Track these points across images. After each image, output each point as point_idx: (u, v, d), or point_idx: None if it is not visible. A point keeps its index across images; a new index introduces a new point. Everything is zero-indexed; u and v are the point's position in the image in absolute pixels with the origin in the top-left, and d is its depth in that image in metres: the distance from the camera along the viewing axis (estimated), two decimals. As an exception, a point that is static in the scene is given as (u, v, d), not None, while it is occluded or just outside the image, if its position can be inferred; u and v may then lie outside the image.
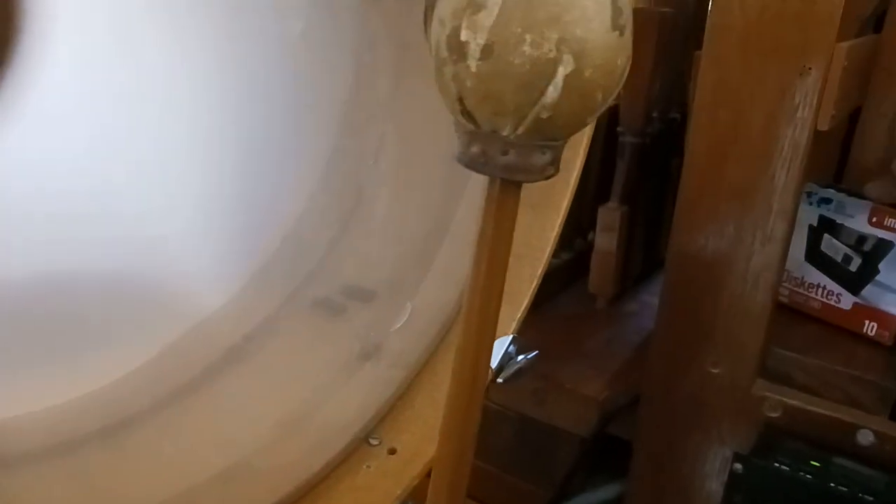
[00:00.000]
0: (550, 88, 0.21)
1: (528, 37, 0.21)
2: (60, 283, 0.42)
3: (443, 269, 0.47)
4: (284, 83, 0.48)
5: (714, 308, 0.51)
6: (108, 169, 0.43)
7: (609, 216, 0.69)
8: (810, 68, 0.44)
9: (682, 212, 0.51)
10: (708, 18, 0.48)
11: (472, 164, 0.25)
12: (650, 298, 0.72)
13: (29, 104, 0.37)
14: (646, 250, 0.76)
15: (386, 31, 0.47)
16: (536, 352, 0.44)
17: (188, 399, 0.44)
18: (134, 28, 0.41)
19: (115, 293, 0.45)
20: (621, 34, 0.22)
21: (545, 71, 0.21)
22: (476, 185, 0.50)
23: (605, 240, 0.70)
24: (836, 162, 0.60)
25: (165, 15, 0.42)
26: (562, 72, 0.21)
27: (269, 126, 0.49)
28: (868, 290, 0.57)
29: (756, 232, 0.48)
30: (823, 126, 0.45)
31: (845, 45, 0.44)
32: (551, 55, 0.21)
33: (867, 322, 0.57)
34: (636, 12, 0.50)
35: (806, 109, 0.45)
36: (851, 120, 0.59)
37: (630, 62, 0.23)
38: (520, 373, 0.42)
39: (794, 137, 0.45)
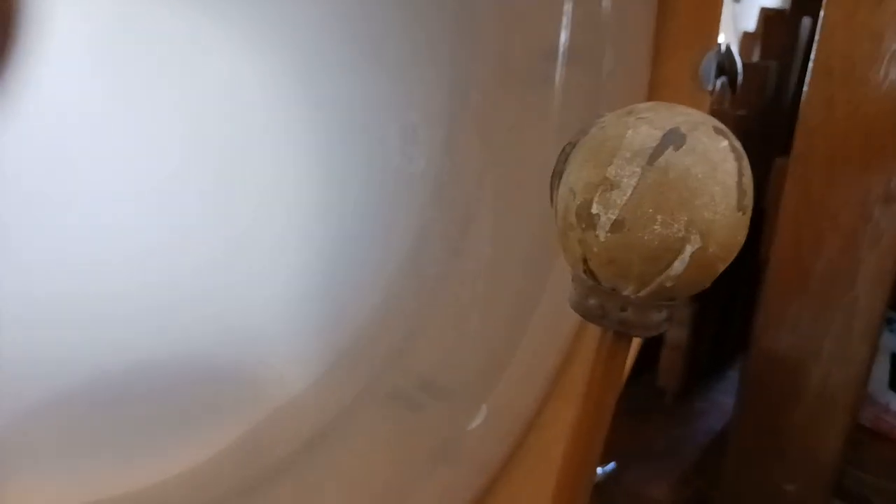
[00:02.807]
0: (677, 262, 0.22)
1: (659, 217, 0.22)
2: (141, 369, 0.44)
3: (519, 371, 0.48)
4: (373, 151, 0.47)
5: (791, 423, 0.51)
6: (194, 254, 0.45)
7: (680, 312, 0.70)
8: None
9: (763, 323, 0.52)
10: (794, 141, 0.49)
11: (588, 315, 0.26)
12: (719, 397, 0.71)
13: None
14: (715, 345, 0.76)
15: (480, 112, 0.49)
16: (613, 463, 0.44)
17: (267, 489, 0.45)
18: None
19: (195, 377, 0.46)
20: (744, 213, 0.23)
21: (673, 247, 0.22)
22: (554, 290, 0.51)
23: (676, 335, 0.70)
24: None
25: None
26: (689, 249, 0.22)
27: (356, 208, 0.50)
28: (953, 423, 0.56)
29: (836, 352, 0.48)
30: (910, 254, 0.45)
31: (934, 174, 0.45)
32: (680, 234, 0.22)
33: (952, 454, 0.56)
34: (713, 115, 0.52)
35: (891, 236, 0.45)
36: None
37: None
38: (598, 487, 0.42)
39: (878, 262, 0.46)
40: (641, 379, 0.73)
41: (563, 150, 0.25)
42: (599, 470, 0.43)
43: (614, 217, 0.22)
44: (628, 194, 0.22)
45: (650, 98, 0.49)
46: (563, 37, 0.49)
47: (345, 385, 0.50)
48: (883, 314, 0.47)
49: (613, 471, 0.56)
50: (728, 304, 0.75)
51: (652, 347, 0.72)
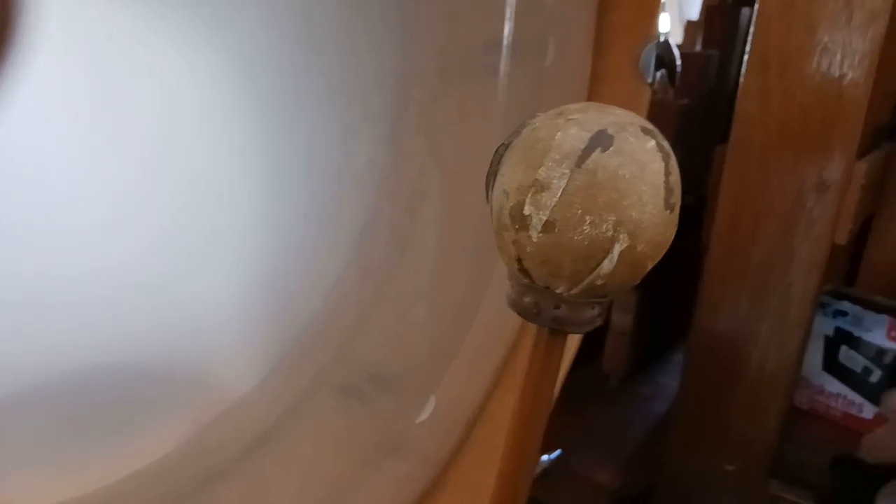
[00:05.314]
0: (606, 261, 0.23)
1: (587, 217, 0.22)
2: (86, 369, 0.43)
3: (466, 363, 0.49)
4: (312, 148, 0.47)
5: (731, 405, 0.52)
6: (132, 246, 0.44)
7: (625, 298, 0.71)
8: (829, 185, 0.46)
9: (704, 308, 0.53)
10: (732, 130, 0.50)
11: (524, 312, 0.26)
12: (664, 380, 0.73)
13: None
14: (660, 330, 0.77)
15: (421, 106, 0.49)
16: (559, 451, 0.45)
17: (218, 486, 0.45)
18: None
19: (142, 376, 0.46)
20: (672, 211, 0.23)
21: (602, 247, 0.23)
22: (499, 282, 0.52)
23: (621, 320, 0.71)
24: (847, 263, 0.62)
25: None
26: (617, 248, 0.23)
27: (297, 203, 0.50)
28: (891, 401, 0.57)
29: (772, 336, 0.50)
30: (841, 240, 0.46)
31: (864, 162, 0.46)
32: (608, 234, 0.22)
33: (890, 432, 0.58)
34: (656, 105, 0.52)
35: (824, 224, 0.47)
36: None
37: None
38: (545, 473, 0.43)
39: (811, 250, 0.47)
40: (587, 365, 0.74)
41: (497, 150, 0.25)
42: (545, 457, 0.44)
43: (545, 218, 0.22)
44: (558, 196, 0.22)
45: (592, 89, 0.50)
46: (507, 28, 0.50)
47: (293, 380, 0.50)
48: (816, 299, 0.48)
49: (559, 458, 0.57)
50: (671, 289, 0.77)
51: (597, 334, 0.73)
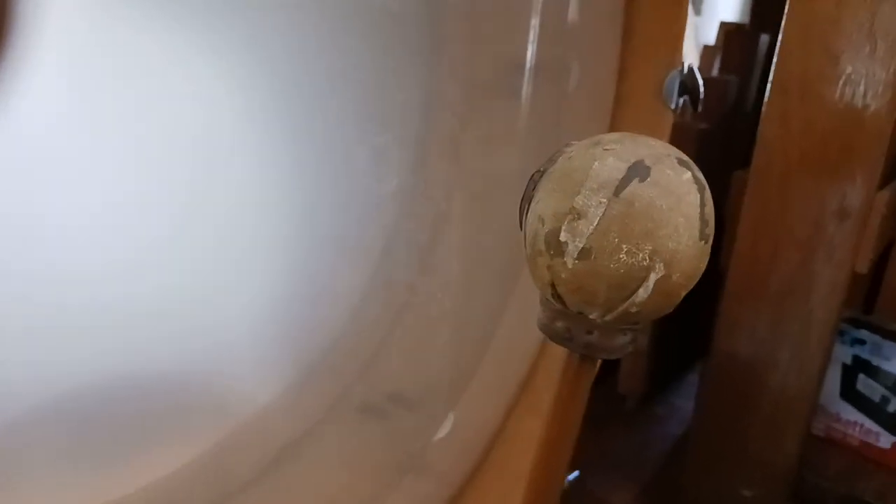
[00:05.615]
0: (641, 290, 0.23)
1: (624, 246, 0.22)
2: (111, 382, 0.43)
3: (485, 383, 0.49)
4: (342, 172, 0.47)
5: (749, 429, 0.52)
6: (162, 269, 0.44)
7: (640, 320, 0.71)
8: (850, 212, 0.46)
9: (722, 331, 0.53)
10: (753, 156, 0.50)
11: (556, 337, 0.26)
12: (680, 402, 0.73)
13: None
14: (675, 351, 0.77)
15: (447, 129, 0.49)
16: (577, 472, 0.45)
17: (235, 502, 0.45)
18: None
19: (163, 391, 0.46)
20: (706, 243, 0.24)
21: (638, 276, 0.23)
22: (519, 304, 0.52)
23: (637, 342, 0.71)
24: (866, 289, 0.62)
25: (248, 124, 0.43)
26: (653, 277, 0.23)
27: (325, 225, 0.50)
28: (908, 431, 0.57)
29: (792, 362, 0.50)
30: (862, 269, 0.46)
31: (885, 192, 0.46)
32: (644, 263, 0.23)
33: (908, 462, 0.57)
34: (675, 129, 0.53)
35: (844, 251, 0.47)
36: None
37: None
38: (564, 495, 0.43)
39: (832, 276, 0.47)
40: (603, 385, 0.74)
41: (532, 177, 0.25)
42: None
43: (582, 245, 0.23)
44: (595, 224, 0.23)
45: (615, 112, 0.50)
46: (531, 51, 0.50)
47: (314, 399, 0.50)
48: (836, 325, 0.48)
49: (577, 479, 0.57)
50: (688, 310, 0.77)
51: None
